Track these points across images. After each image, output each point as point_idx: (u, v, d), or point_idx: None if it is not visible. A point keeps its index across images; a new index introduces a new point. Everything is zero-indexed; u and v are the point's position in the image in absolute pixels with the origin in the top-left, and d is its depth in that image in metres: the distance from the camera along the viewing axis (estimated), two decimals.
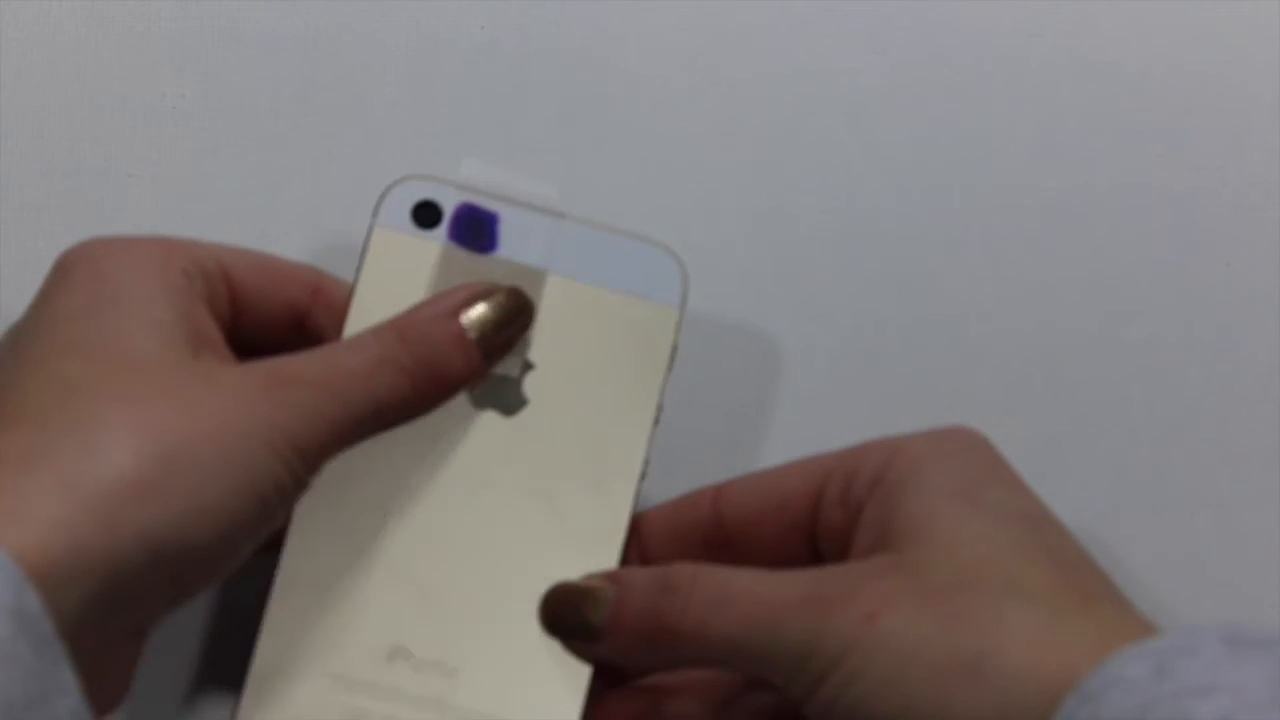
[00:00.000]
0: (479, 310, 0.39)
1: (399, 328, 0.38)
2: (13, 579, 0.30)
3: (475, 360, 0.39)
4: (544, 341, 0.40)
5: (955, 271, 0.47)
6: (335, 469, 0.38)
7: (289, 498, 0.36)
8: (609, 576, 0.38)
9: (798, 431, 0.45)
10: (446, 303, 0.39)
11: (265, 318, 0.40)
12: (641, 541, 0.40)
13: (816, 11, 0.49)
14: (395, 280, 0.40)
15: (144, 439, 0.33)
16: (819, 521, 0.38)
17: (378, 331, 0.38)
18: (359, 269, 0.40)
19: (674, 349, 0.41)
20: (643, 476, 0.40)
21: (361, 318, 0.40)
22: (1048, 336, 0.47)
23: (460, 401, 0.40)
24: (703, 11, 0.49)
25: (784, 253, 0.47)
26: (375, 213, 0.41)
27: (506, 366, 0.40)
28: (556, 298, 0.41)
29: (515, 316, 0.40)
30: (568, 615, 0.38)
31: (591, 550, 0.39)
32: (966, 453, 0.37)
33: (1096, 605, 0.33)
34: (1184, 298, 0.47)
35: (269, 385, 0.36)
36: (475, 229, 0.41)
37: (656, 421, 0.40)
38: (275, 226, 0.47)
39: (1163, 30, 0.49)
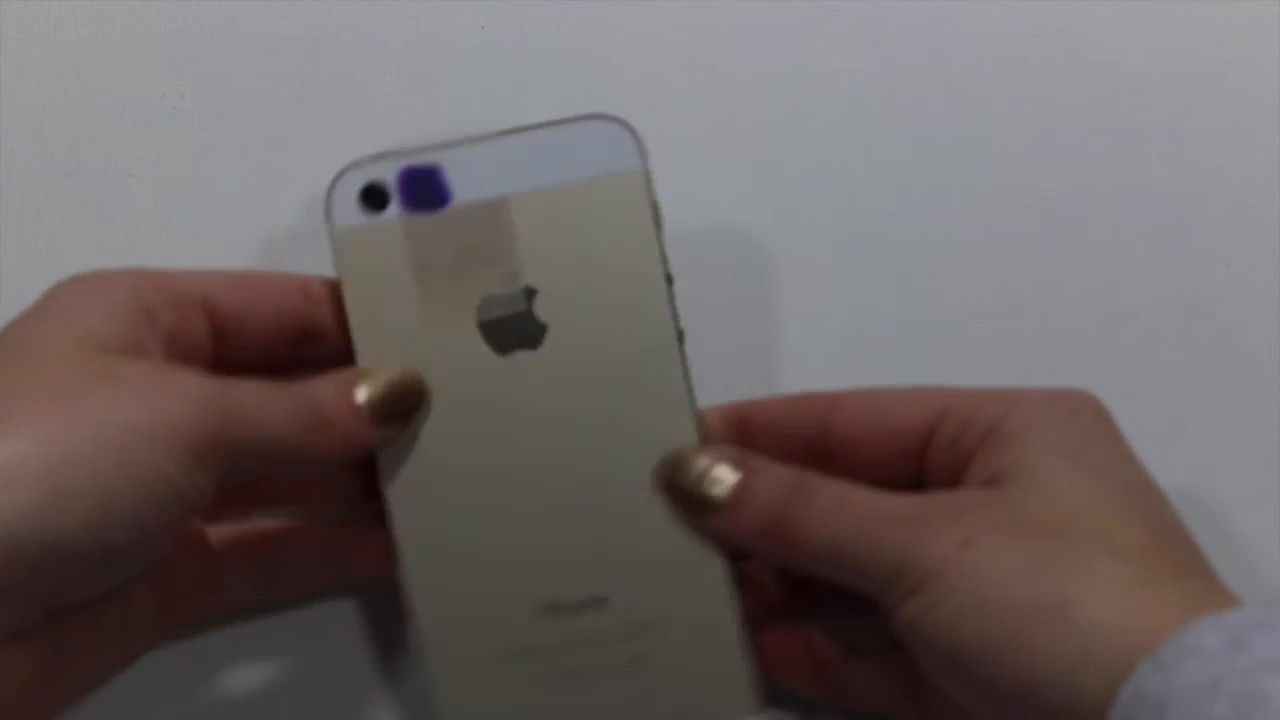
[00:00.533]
0: (370, 380, 0.39)
1: (296, 383, 0.38)
2: None
3: (363, 419, 0.38)
4: (534, 260, 0.40)
5: (955, 271, 0.47)
6: (409, 466, 0.39)
7: (186, 497, 0.34)
8: (737, 460, 0.39)
9: None
10: (339, 375, 0.39)
11: (259, 333, 0.40)
12: (749, 430, 0.41)
13: (816, 12, 0.49)
14: (376, 273, 0.40)
15: (12, 431, 0.33)
16: (928, 458, 0.39)
17: (278, 381, 0.38)
18: (338, 276, 0.40)
19: (655, 206, 0.40)
20: (681, 337, 0.40)
21: (362, 318, 0.40)
22: (1047, 336, 0.47)
23: (489, 358, 0.40)
24: (703, 12, 0.49)
25: (783, 253, 0.47)
26: (327, 217, 0.41)
27: (511, 304, 0.40)
28: (527, 214, 0.40)
29: (402, 386, 0.40)
30: (688, 487, 0.39)
31: (666, 429, 0.40)
32: (1081, 414, 0.38)
33: (1185, 576, 0.34)
34: (1184, 298, 0.47)
35: (167, 383, 0.35)
36: (424, 189, 0.40)
37: (670, 280, 0.40)
38: (275, 227, 0.47)
39: (1163, 30, 0.49)
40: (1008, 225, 0.48)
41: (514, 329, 0.40)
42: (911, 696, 0.39)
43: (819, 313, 0.47)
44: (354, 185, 0.41)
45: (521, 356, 0.40)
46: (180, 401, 0.34)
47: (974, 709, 0.35)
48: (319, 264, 0.47)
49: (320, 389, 0.38)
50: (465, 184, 0.40)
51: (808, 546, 0.37)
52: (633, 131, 0.41)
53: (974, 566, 0.34)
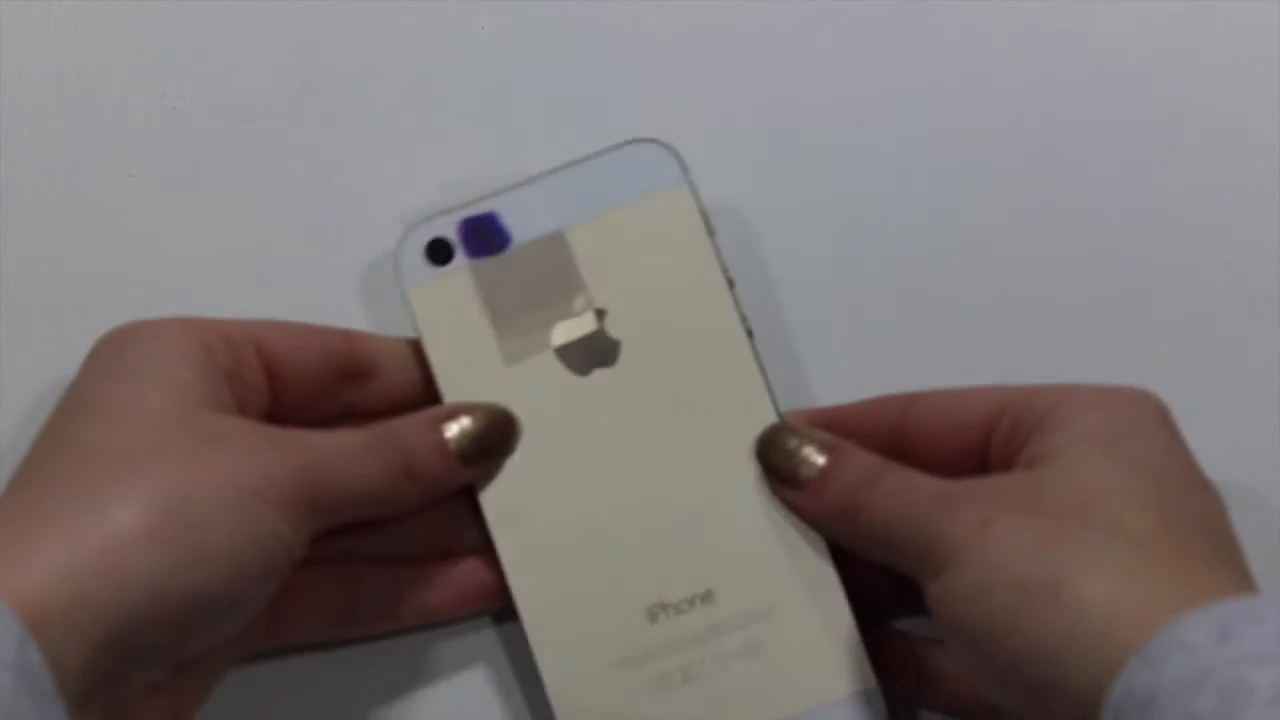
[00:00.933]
0: (461, 422, 0.41)
1: (385, 428, 0.40)
2: (14, 632, 0.31)
3: (452, 465, 0.41)
4: (599, 283, 0.43)
5: (954, 272, 0.47)
6: (507, 493, 0.41)
7: (290, 549, 0.37)
8: (827, 444, 0.41)
9: None
10: (430, 414, 0.41)
11: (307, 374, 0.41)
12: (836, 430, 0.42)
13: (816, 13, 0.49)
14: (452, 321, 0.42)
15: (146, 490, 0.34)
16: (990, 449, 0.39)
17: (367, 429, 0.40)
18: (418, 333, 0.42)
19: (704, 215, 0.43)
20: (750, 335, 0.42)
21: (445, 367, 0.42)
22: (1047, 337, 0.47)
23: (569, 378, 0.42)
24: (703, 11, 0.49)
25: (783, 253, 0.47)
26: (398, 280, 0.43)
27: (584, 326, 0.42)
28: (585, 242, 0.43)
29: (493, 426, 0.42)
30: (779, 460, 0.41)
31: (749, 418, 0.41)
32: (1130, 408, 0.38)
33: (1189, 562, 0.34)
34: (1184, 297, 0.47)
35: (268, 445, 0.37)
36: (484, 236, 0.43)
37: (731, 284, 0.42)
38: (275, 227, 0.47)
39: (1163, 30, 0.49)
40: (1007, 225, 0.47)
41: (590, 350, 0.42)
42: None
43: (819, 313, 0.47)
44: (418, 244, 0.43)
45: (600, 374, 0.42)
46: (281, 463, 0.37)
47: (982, 685, 0.36)
48: (318, 263, 0.47)
49: (410, 436, 0.40)
50: (522, 224, 0.43)
51: (867, 529, 0.39)
52: (671, 149, 0.43)
53: (989, 545, 0.35)
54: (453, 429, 0.41)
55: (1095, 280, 0.47)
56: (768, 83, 0.49)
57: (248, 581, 0.36)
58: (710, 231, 0.43)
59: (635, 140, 0.43)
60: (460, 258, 0.43)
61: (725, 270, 0.43)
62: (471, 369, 0.42)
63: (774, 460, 0.41)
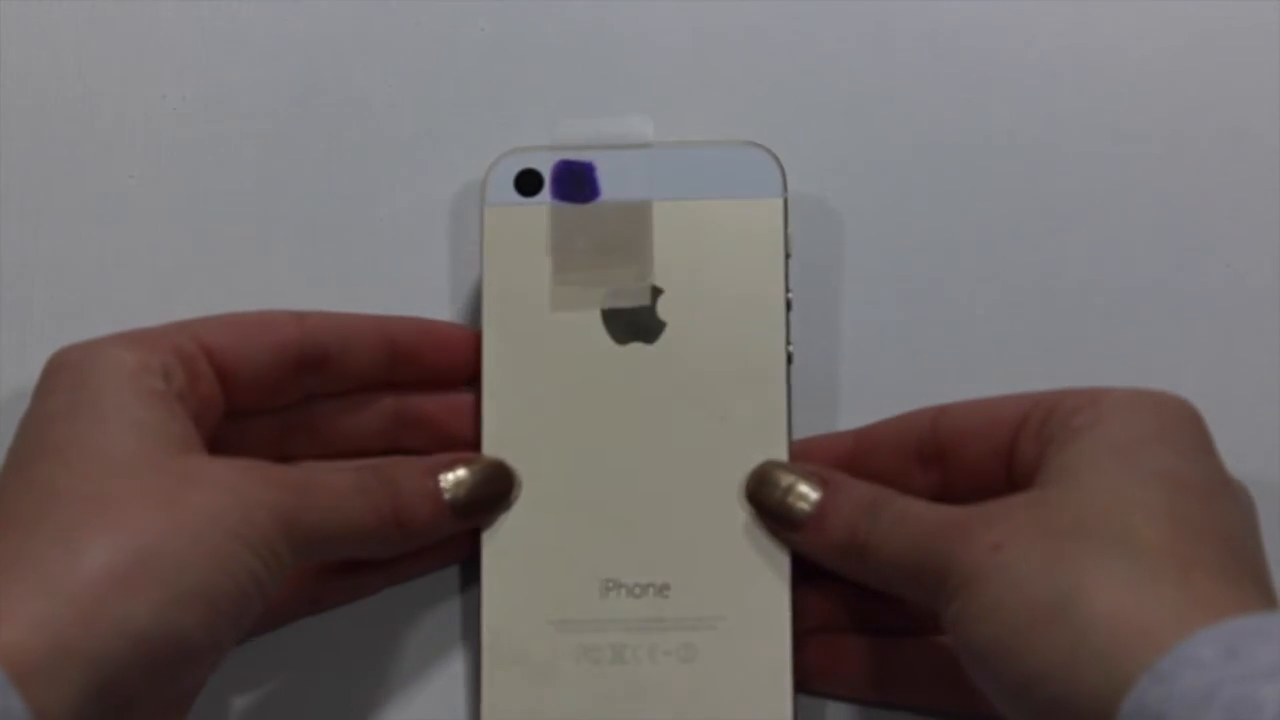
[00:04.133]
0: (458, 472, 0.41)
1: (380, 469, 0.40)
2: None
3: (444, 515, 0.41)
4: (665, 263, 0.43)
5: (954, 274, 0.47)
6: (511, 427, 0.42)
7: (266, 589, 0.36)
8: (821, 478, 0.40)
9: None
10: (429, 462, 0.41)
11: (259, 369, 0.41)
12: (866, 446, 0.42)
13: (817, 11, 0.49)
14: (516, 249, 0.43)
15: (120, 537, 0.34)
16: (1015, 450, 0.39)
17: (361, 467, 0.40)
18: (481, 250, 0.43)
19: (787, 237, 0.43)
20: (789, 361, 0.42)
21: (495, 289, 0.43)
22: (1046, 337, 0.47)
23: (605, 342, 0.43)
24: (703, 11, 0.49)
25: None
26: (481, 194, 0.44)
27: (637, 297, 0.43)
28: (667, 221, 0.43)
29: (490, 480, 0.41)
30: (773, 501, 0.41)
31: (760, 441, 0.42)
32: (1155, 414, 0.37)
33: (1199, 575, 0.33)
34: (1184, 298, 0.47)
35: (246, 484, 0.37)
36: (576, 183, 0.43)
37: (789, 308, 0.43)
38: (275, 227, 0.47)
39: (1163, 30, 0.49)
40: (1006, 226, 0.47)
41: (634, 322, 0.43)
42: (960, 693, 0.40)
43: (819, 314, 0.47)
44: (511, 169, 0.44)
45: (637, 348, 0.43)
46: (260, 503, 0.36)
47: (997, 706, 0.36)
48: (317, 262, 0.47)
49: (404, 482, 0.40)
50: (614, 184, 0.43)
51: (875, 564, 0.39)
52: (778, 162, 0.43)
53: (1000, 569, 0.35)
54: (448, 479, 0.41)
55: (1094, 280, 0.47)
56: (768, 80, 0.49)
57: (225, 622, 0.35)
58: (788, 252, 0.43)
59: (749, 144, 0.44)
60: (545, 195, 0.43)
61: (788, 292, 0.43)
62: (517, 302, 0.43)
63: (768, 498, 0.41)
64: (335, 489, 0.39)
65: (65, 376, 0.38)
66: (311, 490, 0.38)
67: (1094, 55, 0.49)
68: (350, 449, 0.43)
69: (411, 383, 0.43)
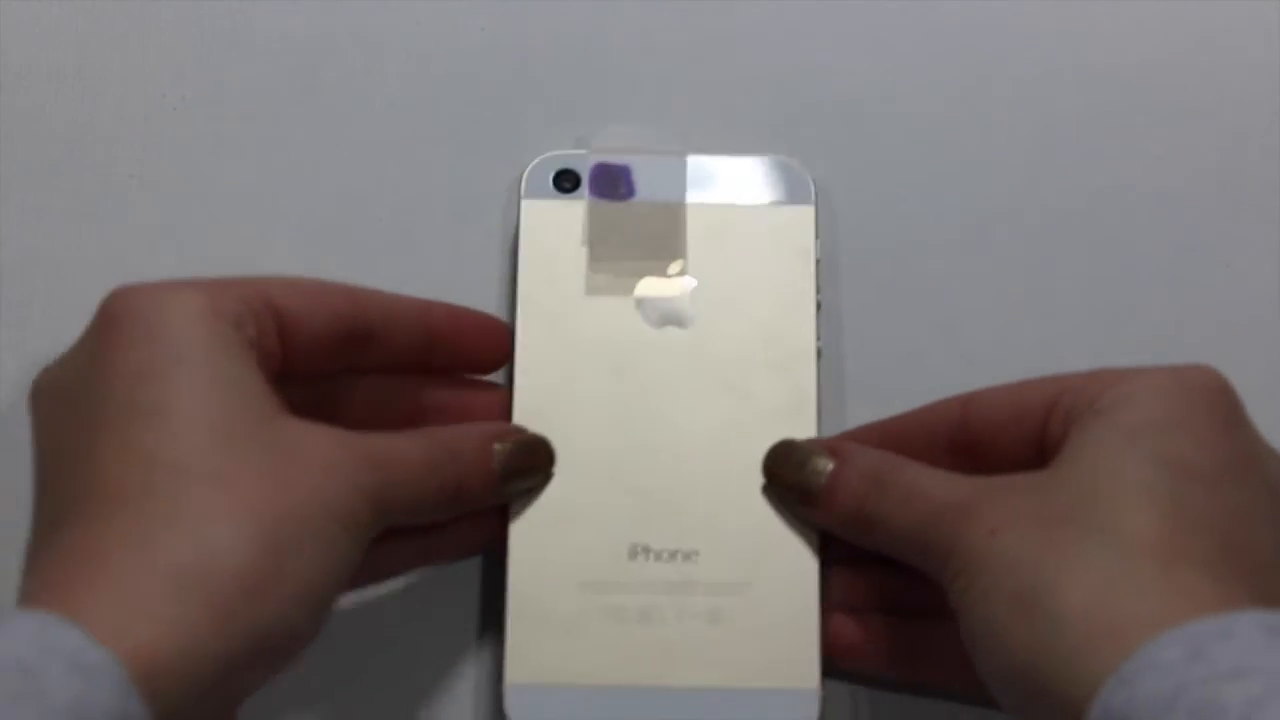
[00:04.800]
0: (506, 444, 0.41)
1: (443, 441, 0.39)
2: (119, 684, 0.30)
3: (495, 486, 0.41)
4: (699, 260, 0.44)
5: (952, 273, 0.47)
6: (544, 399, 0.43)
7: (353, 570, 0.36)
8: (833, 449, 0.41)
9: None
10: (484, 432, 0.41)
11: (317, 334, 0.39)
12: (894, 438, 0.42)
13: (813, 12, 0.49)
14: (552, 239, 0.45)
15: (248, 526, 0.33)
16: (1045, 435, 0.38)
17: (425, 437, 0.39)
18: (516, 239, 0.45)
19: (817, 242, 0.45)
20: (819, 356, 0.44)
21: (529, 283, 0.44)
22: (1046, 337, 0.47)
23: (639, 326, 0.44)
24: (703, 12, 0.49)
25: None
26: (520, 188, 0.45)
27: (669, 287, 0.44)
28: (700, 222, 0.45)
29: (534, 454, 0.42)
30: (789, 475, 0.42)
31: (789, 424, 0.43)
32: (1182, 396, 0.36)
33: (1184, 570, 0.33)
34: (1184, 298, 0.47)
35: (340, 459, 0.36)
36: (612, 183, 0.45)
37: (819, 307, 0.44)
38: (275, 227, 0.47)
39: (1163, 30, 0.49)
40: (1006, 227, 0.48)
41: (668, 310, 0.44)
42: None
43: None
44: (549, 168, 0.45)
45: (670, 333, 0.44)
46: (354, 483, 0.36)
47: (991, 691, 0.36)
48: (317, 262, 0.47)
49: (469, 455, 0.40)
50: (650, 186, 0.45)
51: (883, 536, 0.39)
52: (811, 177, 0.45)
53: (994, 555, 0.35)
54: (498, 449, 0.41)
55: (1094, 281, 0.47)
56: (768, 82, 0.49)
57: (327, 611, 0.35)
58: (818, 256, 0.44)
59: (782, 157, 0.46)
60: (583, 192, 0.45)
61: (818, 293, 0.44)
62: (553, 287, 0.44)
63: (785, 474, 0.42)
64: (410, 462, 0.38)
65: (136, 327, 0.35)
66: (392, 465, 0.37)
67: (1094, 55, 0.49)
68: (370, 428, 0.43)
69: (443, 367, 0.43)
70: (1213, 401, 0.37)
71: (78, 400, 0.35)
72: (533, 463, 0.42)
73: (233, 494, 0.33)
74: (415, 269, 0.47)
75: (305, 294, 0.39)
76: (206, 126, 0.48)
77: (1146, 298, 0.47)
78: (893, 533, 0.39)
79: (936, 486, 0.38)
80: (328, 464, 0.35)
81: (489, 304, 0.45)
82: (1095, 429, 0.36)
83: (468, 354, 0.43)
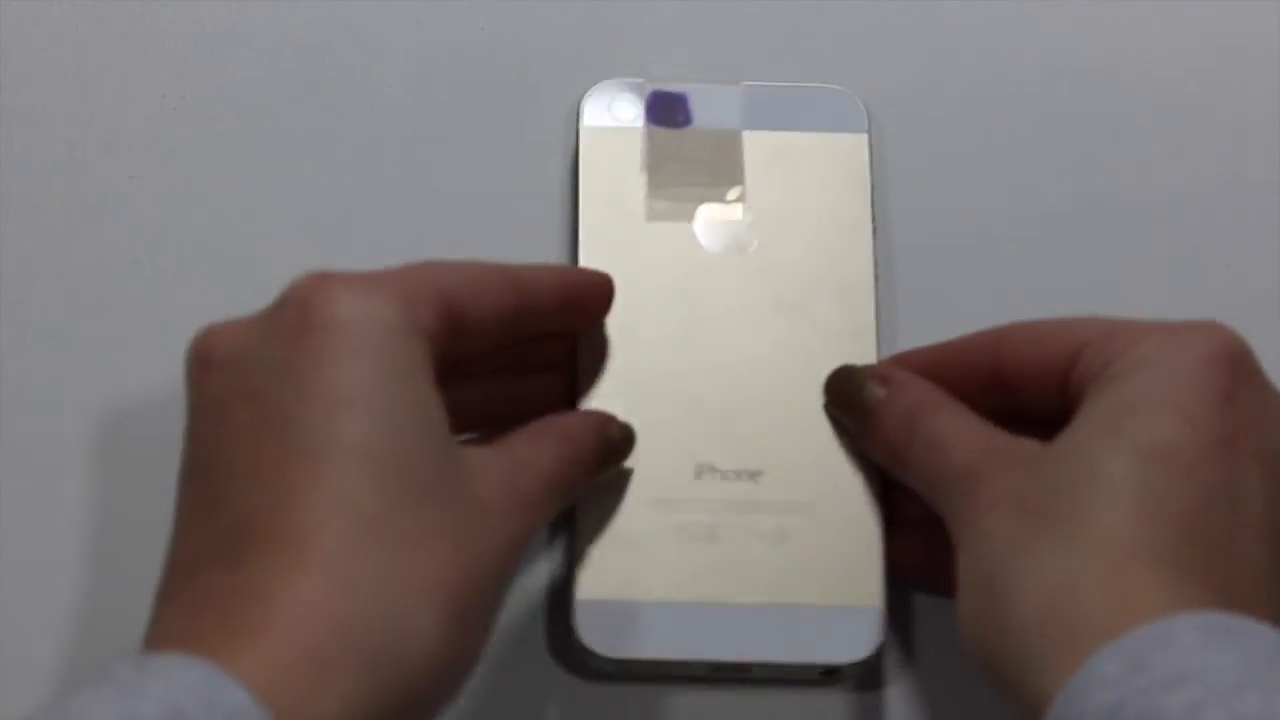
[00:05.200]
0: (611, 432, 0.41)
1: (567, 448, 0.38)
2: None
3: (593, 473, 0.40)
4: (757, 186, 0.45)
5: (953, 277, 0.47)
6: (609, 331, 0.43)
7: None
8: (885, 377, 0.41)
9: None
10: (595, 426, 0.40)
11: (484, 332, 0.37)
12: (941, 368, 0.41)
13: (816, 13, 0.49)
14: (612, 165, 0.45)
15: (440, 604, 0.31)
16: (1067, 387, 0.38)
17: (553, 444, 0.38)
18: (576, 167, 0.45)
19: (872, 168, 0.46)
20: (876, 280, 0.44)
21: (590, 210, 0.45)
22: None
23: (700, 250, 0.45)
24: (701, 13, 0.49)
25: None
26: (579, 116, 0.46)
27: (730, 213, 0.45)
28: (757, 150, 0.46)
29: (630, 439, 0.41)
30: (843, 400, 0.42)
31: (850, 346, 0.43)
32: (1181, 368, 0.35)
33: (1137, 570, 0.33)
34: (1184, 299, 0.47)
35: (515, 513, 0.35)
36: (669, 109, 0.46)
37: (875, 232, 0.45)
38: (275, 227, 0.47)
39: (1163, 30, 0.49)
40: (1006, 227, 0.48)
41: (728, 235, 0.45)
42: None
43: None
44: (607, 95, 0.46)
45: (730, 256, 0.45)
46: (520, 539, 0.35)
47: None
48: (316, 263, 0.47)
49: (586, 458, 0.39)
50: (706, 114, 0.46)
51: (912, 477, 0.39)
52: (863, 104, 0.46)
53: (980, 537, 0.35)
54: (606, 434, 0.41)
55: (1094, 282, 0.47)
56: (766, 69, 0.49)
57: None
58: (873, 184, 0.45)
59: (837, 88, 0.46)
60: (640, 119, 0.46)
61: (874, 218, 0.45)
62: (614, 213, 0.45)
63: (840, 399, 0.42)
64: (552, 491, 0.37)
65: (338, 342, 0.33)
66: (537, 502, 0.36)
67: (1093, 55, 0.49)
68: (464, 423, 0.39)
69: (565, 330, 0.43)
70: (1211, 373, 0.35)
71: (264, 403, 0.32)
72: (626, 450, 0.42)
73: (423, 561, 0.31)
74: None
75: (479, 290, 0.37)
76: (206, 127, 0.48)
77: (1146, 299, 0.47)
78: (915, 478, 0.39)
79: (957, 442, 0.38)
80: (504, 517, 0.34)
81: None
82: (1093, 408, 0.36)
83: (590, 315, 0.42)
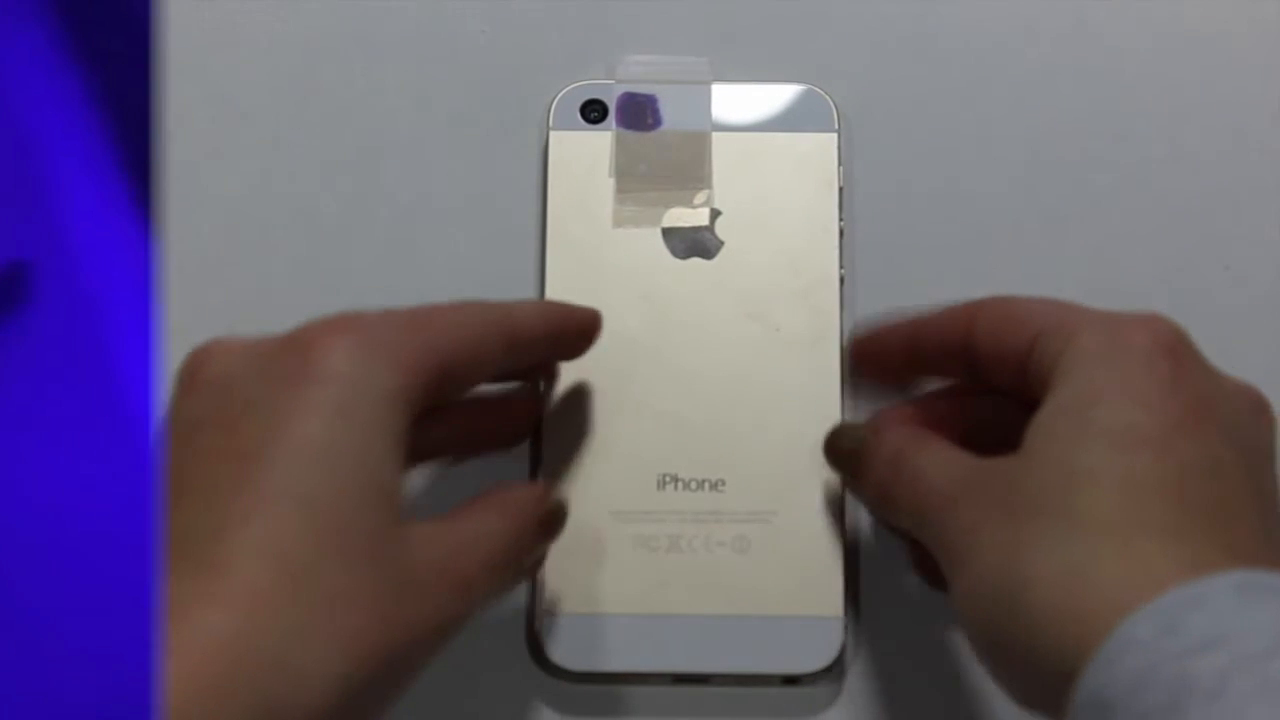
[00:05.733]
0: (552, 507, 0.40)
1: (510, 528, 0.37)
2: None
3: (541, 546, 0.40)
4: (724, 188, 0.45)
5: (952, 274, 0.47)
6: None
7: None
8: (875, 429, 0.41)
9: None
10: (535, 506, 0.39)
11: (469, 385, 0.38)
12: (907, 344, 0.42)
13: (815, 12, 0.49)
14: (580, 170, 0.46)
15: (348, 663, 0.31)
16: (1026, 379, 0.38)
17: (497, 523, 0.37)
18: (545, 170, 0.46)
19: (840, 168, 0.46)
20: (842, 283, 0.45)
21: (557, 215, 0.45)
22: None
23: (665, 256, 0.45)
24: (701, 14, 0.49)
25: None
26: (548, 120, 0.46)
27: (696, 218, 0.45)
28: (726, 150, 0.46)
29: (564, 515, 0.40)
30: (839, 454, 0.42)
31: (811, 355, 0.44)
32: (1119, 362, 0.36)
33: (1143, 542, 0.33)
34: (1184, 299, 0.47)
35: (448, 599, 0.34)
36: (638, 113, 0.46)
37: (841, 234, 0.45)
38: (275, 228, 0.47)
39: (1163, 30, 0.49)
40: (1006, 227, 0.48)
41: (693, 240, 0.45)
42: None
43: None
44: (576, 99, 0.46)
45: (695, 263, 0.45)
46: (454, 626, 0.35)
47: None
48: (317, 263, 0.47)
49: (528, 539, 0.38)
50: (676, 115, 0.46)
51: (899, 517, 0.39)
52: (835, 104, 0.46)
53: (974, 555, 0.35)
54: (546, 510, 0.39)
55: (1094, 282, 0.47)
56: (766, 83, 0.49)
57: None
58: (841, 184, 0.45)
59: (806, 85, 0.47)
60: (610, 123, 0.46)
61: (841, 220, 0.45)
62: (581, 217, 0.45)
63: (839, 445, 0.42)
64: (494, 569, 0.36)
65: (330, 399, 0.33)
66: (477, 582, 0.36)
67: (1093, 55, 0.49)
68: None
69: (545, 364, 0.43)
70: (1155, 363, 0.35)
71: (236, 435, 0.33)
72: (563, 520, 0.40)
73: (340, 620, 0.31)
74: (414, 268, 0.47)
75: (476, 352, 0.37)
76: (206, 127, 0.48)
77: (1146, 299, 0.47)
78: (904, 515, 0.39)
79: (938, 470, 0.38)
80: (436, 595, 0.34)
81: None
82: (1053, 406, 0.36)
83: (576, 351, 0.42)
